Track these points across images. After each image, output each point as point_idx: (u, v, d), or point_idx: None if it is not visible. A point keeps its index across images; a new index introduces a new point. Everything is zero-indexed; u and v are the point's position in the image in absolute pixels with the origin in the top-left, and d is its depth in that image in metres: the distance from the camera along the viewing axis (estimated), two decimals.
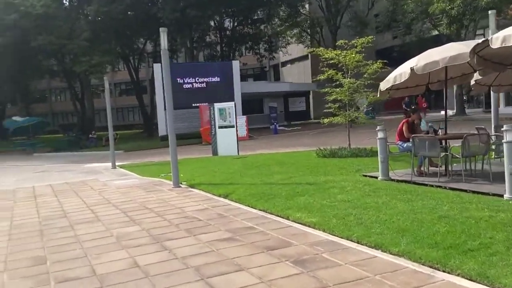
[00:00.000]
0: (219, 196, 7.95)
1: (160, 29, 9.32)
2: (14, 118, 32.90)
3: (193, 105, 29.72)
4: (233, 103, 17.05)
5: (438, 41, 22.63)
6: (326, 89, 12.09)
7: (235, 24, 39.29)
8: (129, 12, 33.57)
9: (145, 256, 4.70)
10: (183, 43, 34.92)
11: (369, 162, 10.11)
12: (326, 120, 12.06)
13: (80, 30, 29.43)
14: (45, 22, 28.98)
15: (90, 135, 30.83)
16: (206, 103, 28.17)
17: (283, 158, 12.46)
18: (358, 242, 4.61)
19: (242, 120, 27.66)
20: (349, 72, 12.29)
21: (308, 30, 39.39)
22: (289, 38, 39.30)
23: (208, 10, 30.90)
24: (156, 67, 29.48)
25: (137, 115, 58.80)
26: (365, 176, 8.60)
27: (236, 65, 30.12)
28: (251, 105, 34.11)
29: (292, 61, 47.74)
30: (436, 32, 30.57)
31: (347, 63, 12.10)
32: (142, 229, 5.92)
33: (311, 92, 40.20)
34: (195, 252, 4.69)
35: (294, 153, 14.75)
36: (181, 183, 9.60)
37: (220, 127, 17.27)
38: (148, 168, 14.61)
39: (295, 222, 5.65)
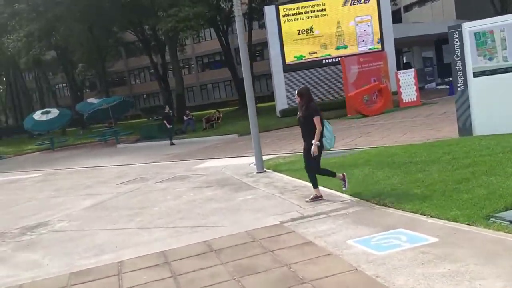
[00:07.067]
0: None
1: None
2: (89, 100, 25.90)
3: (324, 61, 20.80)
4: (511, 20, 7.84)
5: None
6: None
7: None
8: None
9: None
10: None
11: None
12: None
13: None
14: None
15: (185, 117, 22.95)
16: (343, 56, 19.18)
17: None
18: None
19: (409, 76, 18.35)
20: None
21: None
22: None
23: None
24: (269, 10, 20.74)
25: (223, 91, 50.90)
26: None
27: None
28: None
29: (420, 2, 36.40)
30: None
31: None
32: None
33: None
34: None
35: None
36: None
37: (479, 73, 8.12)
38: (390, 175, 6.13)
39: None
